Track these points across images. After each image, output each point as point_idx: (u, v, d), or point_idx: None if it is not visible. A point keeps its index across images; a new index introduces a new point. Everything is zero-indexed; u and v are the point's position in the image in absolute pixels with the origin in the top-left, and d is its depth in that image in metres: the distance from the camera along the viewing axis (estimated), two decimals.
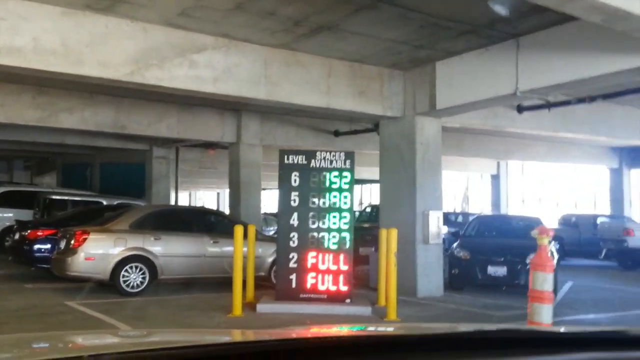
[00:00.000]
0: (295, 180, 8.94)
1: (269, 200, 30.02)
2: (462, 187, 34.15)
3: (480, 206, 30.48)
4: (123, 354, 1.13)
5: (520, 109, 12.76)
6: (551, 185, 29.43)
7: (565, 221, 21.69)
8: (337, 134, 17.31)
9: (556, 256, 11.54)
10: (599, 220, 20.76)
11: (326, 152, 9.02)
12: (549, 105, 12.16)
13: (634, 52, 7.62)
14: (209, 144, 19.92)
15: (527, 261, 11.12)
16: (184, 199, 41.49)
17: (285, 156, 9.03)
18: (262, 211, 18.17)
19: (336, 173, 8.92)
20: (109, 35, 8.32)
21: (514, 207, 28.90)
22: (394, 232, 8.65)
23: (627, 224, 19.37)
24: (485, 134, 19.37)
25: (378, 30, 8.90)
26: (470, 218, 21.37)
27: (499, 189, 29.00)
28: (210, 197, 48.85)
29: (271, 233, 16.51)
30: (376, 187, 26.03)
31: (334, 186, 8.91)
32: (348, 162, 8.95)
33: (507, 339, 1.40)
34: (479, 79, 9.66)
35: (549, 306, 6.50)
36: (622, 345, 1.42)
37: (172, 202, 21.47)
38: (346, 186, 8.92)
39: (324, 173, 8.92)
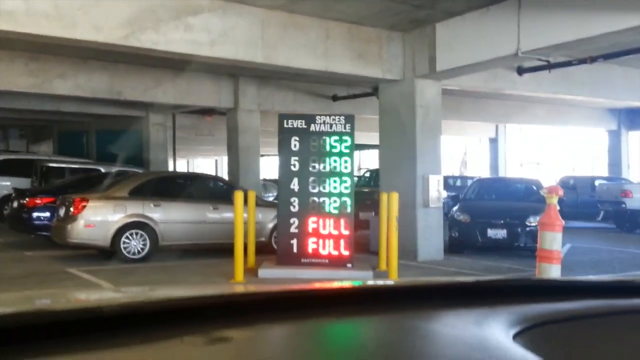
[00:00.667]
0: (295, 145, 8.85)
1: (268, 167, 29.95)
2: (461, 151, 34.11)
3: (479, 170, 30.46)
4: (125, 306, 1.10)
5: (520, 71, 12.63)
6: (549, 149, 29.43)
7: (563, 184, 21.66)
8: (335, 98, 17.16)
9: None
10: (597, 183, 20.77)
11: (326, 116, 8.91)
12: (549, 67, 12.02)
13: (635, 10, 7.49)
14: (206, 110, 19.77)
15: (527, 223, 11.17)
16: (181, 166, 41.37)
17: (285, 121, 8.92)
18: (261, 177, 18.11)
19: (336, 137, 8.83)
20: None
21: (513, 170, 28.90)
22: (395, 196, 8.61)
23: (625, 185, 19.38)
24: (484, 97, 19.24)
25: None
26: (469, 182, 21.43)
27: (497, 152, 28.93)
28: (209, 164, 48.76)
29: (271, 199, 16.47)
30: (375, 152, 25.97)
31: (334, 150, 8.82)
32: (348, 126, 8.85)
33: (503, 289, 1.40)
34: (480, 39, 9.50)
35: (557, 266, 6.49)
36: (617, 293, 1.43)
37: (170, 169, 21.39)
38: (346, 150, 8.84)
39: (324, 137, 8.83)
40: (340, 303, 1.21)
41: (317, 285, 1.53)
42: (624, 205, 18.01)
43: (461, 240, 11.63)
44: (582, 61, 11.59)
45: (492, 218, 11.32)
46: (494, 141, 29.05)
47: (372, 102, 15.91)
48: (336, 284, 1.61)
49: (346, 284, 1.62)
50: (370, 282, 1.67)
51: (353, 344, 1.05)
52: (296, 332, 1.08)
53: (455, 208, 12.12)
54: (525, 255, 11.46)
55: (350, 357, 0.96)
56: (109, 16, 8.17)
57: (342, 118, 8.89)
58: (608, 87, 14.25)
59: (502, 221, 11.22)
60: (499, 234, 11.18)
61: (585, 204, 20.02)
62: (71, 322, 0.96)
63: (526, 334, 1.11)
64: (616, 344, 1.24)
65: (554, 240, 6.46)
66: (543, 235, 6.57)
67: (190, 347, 0.94)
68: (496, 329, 1.07)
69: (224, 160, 47.49)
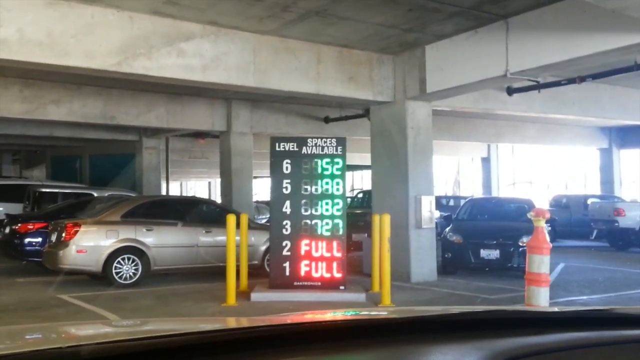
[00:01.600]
0: (287, 168, 8.90)
1: (260, 189, 29.98)
2: (453, 171, 34.23)
3: (471, 189, 30.56)
4: (107, 344, 1.11)
5: (510, 91, 12.76)
6: (541, 167, 29.54)
7: (556, 202, 21.77)
8: (327, 120, 17.26)
9: (548, 239, 11.57)
10: (589, 201, 20.82)
11: (317, 138, 8.97)
12: (539, 87, 12.14)
13: (623, 30, 7.60)
14: (199, 134, 19.85)
15: (520, 243, 11.19)
16: (175, 189, 41.34)
17: (277, 144, 8.98)
18: (254, 199, 18.12)
19: (328, 159, 8.89)
20: (94, 26, 8.21)
21: (505, 189, 29.00)
22: (387, 218, 8.64)
23: (617, 204, 19.43)
24: (475, 117, 19.38)
25: (366, 15, 8.83)
26: (462, 202, 21.46)
27: (489, 171, 29.07)
28: (202, 186, 48.74)
29: (263, 221, 16.47)
30: (367, 173, 26.04)
31: (326, 173, 8.88)
32: (340, 148, 8.91)
33: (497, 320, 1.42)
34: (469, 61, 9.62)
35: (545, 289, 6.50)
36: (608, 324, 1.45)
37: (164, 193, 21.38)
38: (338, 172, 8.89)
39: (316, 160, 8.89)
40: (305, 341, 1.20)
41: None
42: (616, 224, 18.01)
43: (454, 261, 11.63)
44: (571, 81, 11.72)
45: (484, 239, 11.34)
46: (486, 160, 29.20)
47: (365, 123, 15.99)
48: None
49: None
50: (341, 317, 1.63)
51: None
52: None
53: (448, 229, 12.14)
54: (518, 276, 11.45)
55: None
56: (101, 44, 8.24)
57: (333, 140, 8.96)
58: (597, 106, 14.39)
59: (495, 242, 11.24)
60: (492, 254, 11.20)
61: (579, 222, 20.07)
62: None
63: None
64: None
65: (542, 263, 6.49)
66: (531, 258, 6.60)
67: None
68: None
69: (217, 182, 47.47)
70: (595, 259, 15.62)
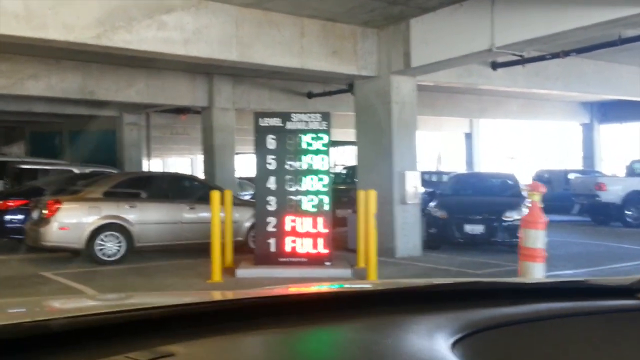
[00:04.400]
0: (271, 143, 8.81)
1: (243, 165, 29.80)
2: (436, 147, 34.30)
3: (454, 165, 30.66)
4: (83, 317, 1.08)
5: (494, 66, 12.72)
6: (524, 143, 29.74)
7: (539, 177, 21.83)
8: (310, 95, 17.13)
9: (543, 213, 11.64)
10: (570, 176, 20.96)
11: (302, 113, 8.88)
12: (523, 61, 12.12)
13: (608, 4, 7.57)
14: (181, 109, 19.59)
15: (504, 218, 11.26)
16: (156, 165, 40.97)
17: (260, 119, 8.87)
18: (237, 175, 18.00)
19: (312, 135, 8.81)
20: None
21: (488, 165, 29.14)
22: (373, 194, 8.61)
23: (599, 179, 19.55)
24: (458, 92, 19.34)
25: None
26: (444, 177, 21.49)
27: (472, 147, 29.14)
28: (183, 163, 48.37)
29: (247, 197, 16.40)
30: (349, 149, 25.97)
31: (310, 148, 8.80)
32: (324, 123, 8.83)
33: (473, 292, 1.44)
34: (454, 35, 9.54)
35: (541, 264, 6.49)
36: (583, 295, 1.47)
37: (145, 169, 21.17)
38: (323, 148, 8.82)
39: (300, 135, 8.80)
40: (268, 314, 1.20)
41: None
42: (598, 198, 18.11)
43: (438, 236, 11.67)
44: (555, 55, 11.70)
45: (469, 213, 11.38)
46: (468, 136, 29.25)
47: (348, 99, 15.89)
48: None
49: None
50: (307, 290, 1.63)
51: (280, 358, 1.04)
52: (237, 345, 1.06)
53: (432, 204, 12.15)
54: (503, 250, 11.56)
55: None
56: (80, 16, 8.03)
57: (318, 115, 8.87)
58: (581, 81, 14.41)
59: (479, 216, 11.28)
60: (476, 229, 11.25)
61: (560, 197, 20.19)
62: (18, 338, 0.94)
63: (467, 341, 1.12)
64: (555, 346, 1.25)
65: (537, 238, 6.44)
66: (526, 232, 6.54)
67: None
68: (435, 338, 1.07)
69: (198, 158, 47.04)
70: (577, 233, 15.77)
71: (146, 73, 14.74)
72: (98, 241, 9.87)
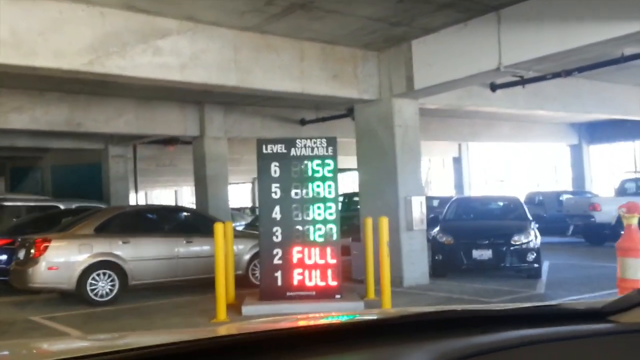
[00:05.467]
0: (275, 171, 8.37)
1: (232, 195, 29.25)
2: (424, 171, 34.09)
3: (443, 189, 30.39)
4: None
5: (493, 87, 12.46)
6: (512, 166, 29.57)
7: (530, 200, 21.62)
8: (303, 122, 16.77)
9: (539, 237, 11.31)
10: (562, 197, 20.78)
11: (307, 139, 8.48)
12: (523, 82, 11.89)
13: (619, 19, 7.32)
14: (168, 140, 19.08)
15: (512, 242, 10.87)
16: (140, 198, 40.19)
17: (264, 146, 8.44)
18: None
19: (318, 161, 8.39)
20: (63, 22, 7.54)
21: (477, 188, 28.93)
22: (384, 220, 8.18)
23: (592, 199, 19.38)
24: (451, 116, 19.14)
25: (354, 7, 8.37)
26: (435, 202, 21.14)
27: (461, 171, 28.98)
28: (168, 195, 47.60)
29: (239, 229, 15.86)
30: (345, 176, 25.56)
31: (316, 175, 8.38)
32: (330, 148, 8.44)
33: (446, 321, 1.43)
34: (459, 55, 9.24)
35: None
36: (558, 320, 1.46)
37: (132, 203, 20.56)
38: (329, 174, 8.41)
39: (306, 162, 8.38)
40: (262, 350, 1.20)
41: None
42: (592, 219, 17.87)
43: (445, 263, 11.22)
44: (556, 75, 11.48)
45: (476, 239, 10.95)
46: (457, 160, 29.10)
47: (342, 125, 15.57)
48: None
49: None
50: (285, 325, 1.55)
51: None
52: None
53: (436, 230, 11.71)
54: (510, 275, 11.17)
55: None
56: (71, 42, 7.58)
57: (323, 141, 8.47)
58: (578, 101, 14.25)
59: (487, 241, 10.87)
60: (485, 254, 10.82)
61: (553, 219, 19.96)
62: None
63: None
64: None
65: (638, 268, 5.60)
66: (624, 262, 5.71)
67: None
68: None
69: (183, 190, 46.41)
70: (576, 255, 15.45)
71: (135, 103, 14.26)
72: (90, 280, 9.28)
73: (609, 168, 25.63)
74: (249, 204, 36.88)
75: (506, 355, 1.26)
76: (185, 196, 45.55)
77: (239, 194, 37.98)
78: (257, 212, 26.27)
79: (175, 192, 46.17)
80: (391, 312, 1.63)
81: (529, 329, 1.37)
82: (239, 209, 25.85)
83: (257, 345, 1.24)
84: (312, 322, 1.69)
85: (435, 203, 21.15)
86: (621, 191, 19.47)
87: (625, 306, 1.49)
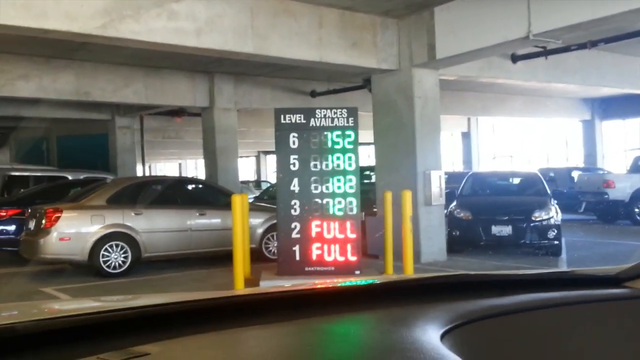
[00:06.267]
0: (293, 142, 8.04)
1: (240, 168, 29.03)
2: None
3: (451, 165, 30.09)
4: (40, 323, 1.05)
5: (515, 59, 12.08)
6: (522, 141, 29.18)
7: (543, 176, 21.32)
8: (314, 94, 16.42)
9: (559, 213, 11.05)
10: (573, 174, 20.49)
11: (327, 109, 8.14)
12: (545, 53, 11.52)
13: None
14: (175, 112, 18.74)
15: (532, 218, 10.62)
16: (145, 171, 39.99)
17: (282, 116, 8.10)
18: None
19: (339, 132, 8.06)
20: None
21: (486, 164, 28.63)
22: (408, 195, 7.91)
23: (606, 176, 19.07)
24: (463, 89, 18.76)
25: None
26: (446, 176, 20.85)
27: (470, 146, 28.66)
28: (172, 168, 47.37)
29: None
30: (360, 150, 25.12)
31: (336, 147, 8.05)
32: (351, 119, 8.09)
33: (464, 284, 1.46)
34: (485, 23, 8.87)
35: None
36: (570, 285, 1.47)
37: (139, 174, 20.30)
38: (350, 146, 8.07)
39: (325, 133, 8.05)
40: (263, 309, 1.20)
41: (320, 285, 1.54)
42: (606, 196, 17.59)
43: (462, 239, 10.98)
44: (581, 46, 11.09)
45: (496, 214, 10.69)
46: (466, 135, 28.77)
47: (354, 97, 15.21)
48: (261, 290, 1.69)
49: (270, 291, 1.58)
50: (298, 286, 1.55)
51: (269, 351, 1.01)
52: (215, 342, 1.04)
53: (453, 205, 11.44)
54: (529, 253, 10.93)
55: None
56: (84, 4, 7.23)
57: (344, 111, 8.13)
58: (598, 74, 13.88)
59: (507, 217, 10.61)
60: (504, 230, 10.57)
61: (566, 195, 19.68)
62: None
63: (456, 332, 1.14)
64: (543, 335, 1.25)
65: None
66: None
67: None
68: (425, 329, 1.09)
69: (187, 163, 46.18)
70: (590, 232, 15.25)
71: (144, 72, 13.91)
72: (102, 252, 9.07)
73: (620, 144, 25.27)
74: (253, 178, 36.66)
75: (522, 317, 1.27)
76: (189, 169, 45.30)
77: (243, 167, 37.69)
78: (262, 186, 26.10)
79: (180, 165, 45.91)
80: (407, 277, 1.61)
81: (544, 293, 1.39)
82: (245, 183, 25.62)
83: (274, 304, 1.25)
84: (329, 285, 1.69)
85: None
86: (635, 168, 19.16)
87: None
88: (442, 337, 1.07)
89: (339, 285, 1.66)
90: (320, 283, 1.80)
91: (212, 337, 1.05)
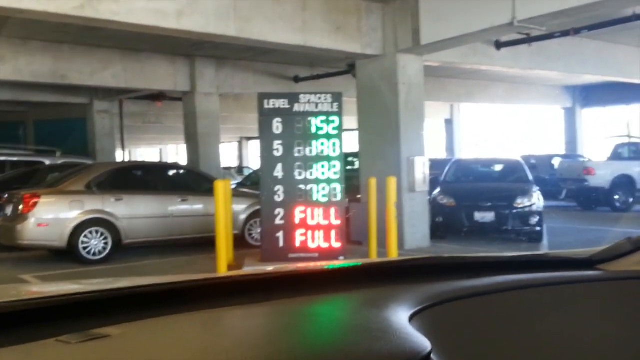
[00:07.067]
0: (277, 127, 7.94)
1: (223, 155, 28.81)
2: None
3: (433, 152, 30.12)
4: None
5: (498, 45, 12.04)
6: (503, 129, 29.32)
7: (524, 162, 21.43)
8: (297, 80, 16.26)
9: (541, 200, 11.09)
10: (554, 161, 20.63)
11: (311, 94, 8.04)
12: (529, 40, 11.50)
13: None
14: (155, 96, 18.46)
15: (515, 205, 10.64)
16: (123, 156, 39.50)
17: (265, 100, 7.99)
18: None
19: (323, 117, 7.97)
20: None
21: (468, 151, 28.71)
22: (392, 181, 7.86)
23: (587, 163, 19.23)
24: (446, 76, 18.71)
25: None
26: (430, 163, 20.87)
27: (452, 133, 28.69)
28: (152, 153, 46.89)
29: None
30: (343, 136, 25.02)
31: (320, 132, 7.97)
32: (335, 104, 8.00)
33: (435, 266, 1.49)
34: (470, 9, 8.80)
35: None
36: (541, 267, 1.48)
37: (119, 160, 20.02)
38: (334, 132, 7.99)
39: (309, 118, 7.96)
40: (234, 292, 1.20)
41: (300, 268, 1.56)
42: (586, 183, 17.74)
43: (446, 226, 10.98)
44: (565, 33, 11.08)
45: (479, 201, 10.71)
46: (449, 122, 28.77)
47: (337, 83, 15.09)
48: (234, 273, 1.60)
49: (241, 274, 1.59)
50: (270, 269, 1.55)
51: (237, 334, 1.01)
52: (182, 325, 1.03)
53: (436, 191, 11.42)
54: (511, 239, 10.97)
55: (233, 347, 0.91)
56: None
57: (328, 96, 8.04)
58: (580, 61, 13.90)
59: (490, 204, 10.63)
60: (487, 217, 10.59)
61: (546, 182, 19.80)
62: None
63: (426, 313, 1.14)
64: (514, 317, 1.27)
65: None
66: None
67: (61, 347, 0.89)
68: (394, 310, 1.09)
69: (168, 149, 45.74)
70: (570, 219, 15.38)
71: (122, 55, 13.64)
72: (82, 238, 8.91)
73: (600, 132, 25.48)
74: (236, 165, 36.42)
75: (494, 299, 1.27)
76: (170, 154, 44.88)
77: (226, 154, 37.43)
78: (245, 173, 25.95)
79: (160, 150, 45.47)
80: (382, 260, 1.59)
81: (517, 274, 1.40)
82: (227, 169, 25.42)
83: (254, 285, 1.26)
84: (308, 268, 1.71)
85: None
86: (615, 155, 19.34)
87: (614, 255, 1.52)
88: (412, 318, 1.08)
89: (317, 268, 1.68)
90: (301, 266, 1.82)
91: (179, 319, 1.04)
